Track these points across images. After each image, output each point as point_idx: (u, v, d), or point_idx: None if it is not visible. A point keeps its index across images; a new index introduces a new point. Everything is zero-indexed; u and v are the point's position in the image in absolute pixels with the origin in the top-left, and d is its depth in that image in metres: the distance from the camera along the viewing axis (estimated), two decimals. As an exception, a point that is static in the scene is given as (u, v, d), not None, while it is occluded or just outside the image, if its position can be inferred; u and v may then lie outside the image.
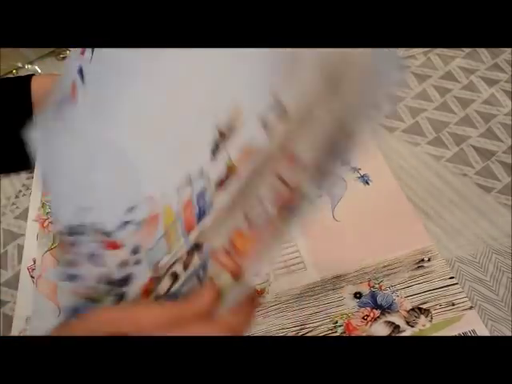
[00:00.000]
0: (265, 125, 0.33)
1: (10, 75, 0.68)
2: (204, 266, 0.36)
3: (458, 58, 0.69)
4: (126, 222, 0.36)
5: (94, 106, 0.43)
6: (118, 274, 0.36)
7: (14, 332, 0.47)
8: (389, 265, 0.52)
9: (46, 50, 0.70)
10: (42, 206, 0.55)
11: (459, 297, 0.49)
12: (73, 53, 0.46)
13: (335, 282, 0.52)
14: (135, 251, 0.36)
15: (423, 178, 0.57)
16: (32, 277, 0.51)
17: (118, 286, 0.36)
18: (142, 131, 0.38)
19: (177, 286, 0.35)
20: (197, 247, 0.36)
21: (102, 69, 0.45)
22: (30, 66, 0.70)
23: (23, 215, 0.57)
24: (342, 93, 0.33)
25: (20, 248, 0.55)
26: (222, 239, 0.35)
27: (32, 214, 0.55)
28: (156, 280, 0.36)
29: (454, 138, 0.61)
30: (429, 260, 0.51)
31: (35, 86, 0.55)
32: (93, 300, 0.37)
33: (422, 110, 0.64)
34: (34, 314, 0.48)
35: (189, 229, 0.36)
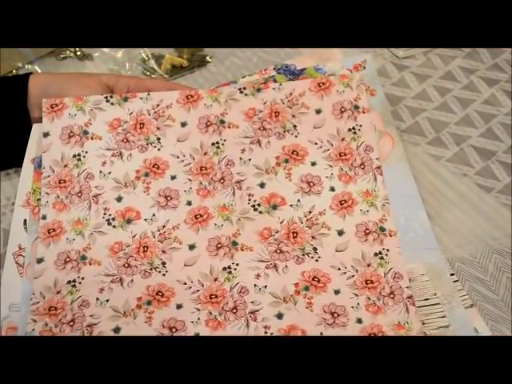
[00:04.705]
0: None
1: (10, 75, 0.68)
2: None
3: (458, 58, 0.69)
4: None
5: None
6: None
7: None
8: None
9: (46, 50, 0.70)
10: (33, 193, 0.53)
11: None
12: None
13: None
14: None
15: (423, 177, 0.57)
16: (17, 263, 0.50)
17: None
18: None
19: None
20: None
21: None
22: (30, 66, 0.69)
23: (23, 215, 0.57)
24: None
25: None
26: None
27: (20, 199, 0.53)
28: None
29: (454, 138, 0.61)
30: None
31: (33, 83, 0.55)
32: None
33: (422, 110, 0.64)
34: (23, 301, 0.47)
35: None
